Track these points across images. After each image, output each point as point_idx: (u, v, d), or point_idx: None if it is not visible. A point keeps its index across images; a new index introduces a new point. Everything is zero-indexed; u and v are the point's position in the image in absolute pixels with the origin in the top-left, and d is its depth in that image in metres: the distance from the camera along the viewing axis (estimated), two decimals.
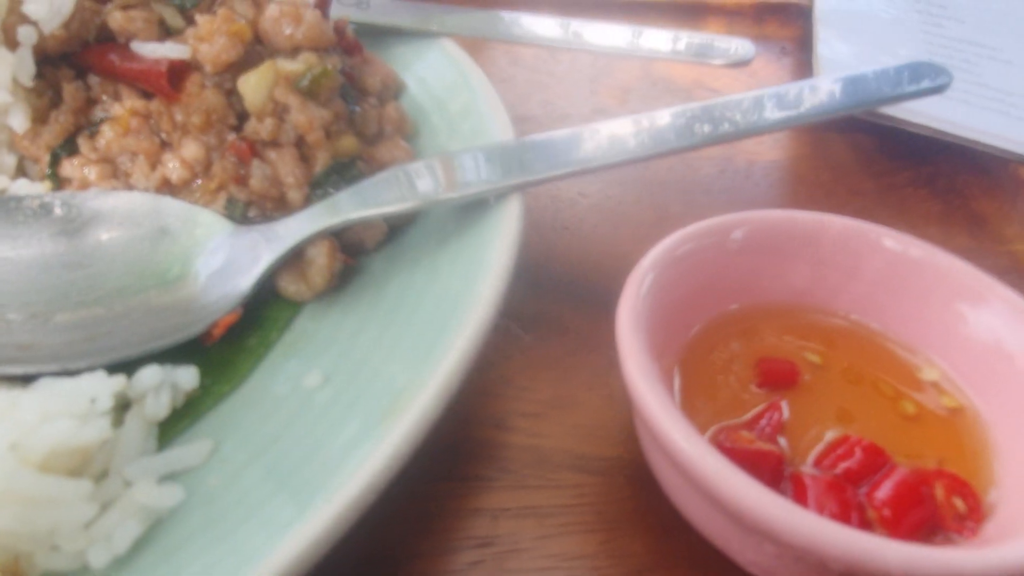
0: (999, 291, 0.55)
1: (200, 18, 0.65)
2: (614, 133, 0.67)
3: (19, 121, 0.62)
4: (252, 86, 0.64)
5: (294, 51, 0.68)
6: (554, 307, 0.63)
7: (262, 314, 0.59)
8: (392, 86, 0.78)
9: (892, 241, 0.59)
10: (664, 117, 0.67)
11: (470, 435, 0.58)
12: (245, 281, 0.57)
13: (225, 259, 0.60)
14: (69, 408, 0.45)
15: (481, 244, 0.59)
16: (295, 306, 0.61)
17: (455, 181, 0.62)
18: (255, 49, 0.67)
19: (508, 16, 0.88)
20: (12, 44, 0.63)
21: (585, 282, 0.73)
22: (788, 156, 0.90)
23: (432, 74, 0.81)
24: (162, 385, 0.51)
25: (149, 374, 0.50)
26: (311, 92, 0.65)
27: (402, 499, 0.52)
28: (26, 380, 0.49)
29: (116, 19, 0.65)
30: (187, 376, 0.52)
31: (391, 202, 0.61)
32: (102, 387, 0.47)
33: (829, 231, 0.60)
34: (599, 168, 0.65)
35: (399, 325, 0.56)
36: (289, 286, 0.60)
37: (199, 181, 0.65)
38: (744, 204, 0.85)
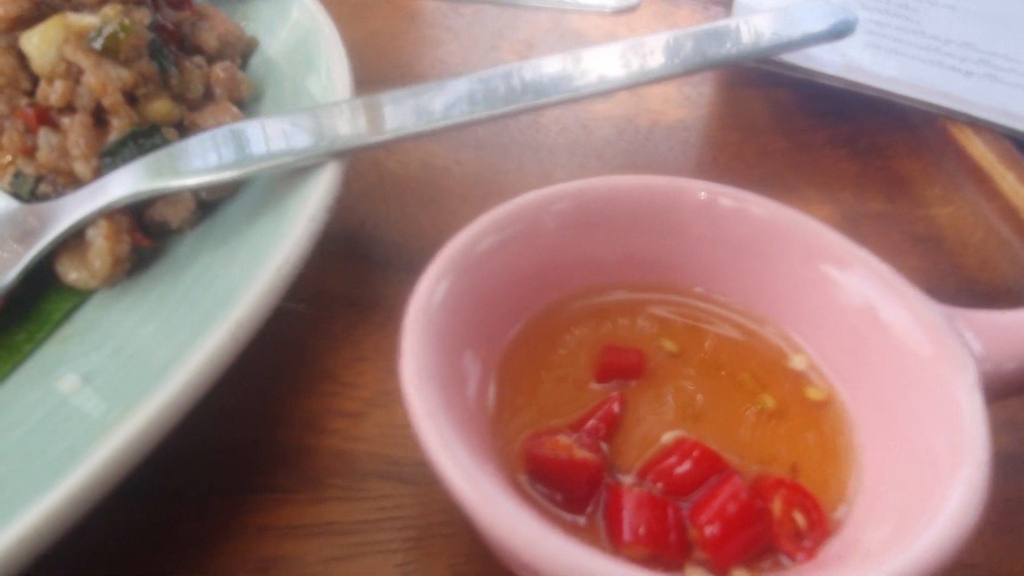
0: (873, 265, 0.48)
1: None
2: (470, 89, 0.59)
3: None
4: (36, 45, 0.56)
5: (100, 3, 0.60)
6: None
7: (39, 306, 0.52)
8: (236, 44, 0.70)
9: (760, 208, 0.51)
10: (529, 68, 0.60)
11: (276, 439, 0.51)
12: (7, 271, 0.50)
13: None
14: None
15: (288, 217, 0.51)
16: (79, 295, 0.53)
17: (269, 150, 0.54)
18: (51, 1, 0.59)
19: None
20: None
21: None
22: (696, 115, 0.82)
23: (288, 32, 0.73)
24: None
25: None
26: (109, 50, 0.57)
27: (180, 518, 0.46)
28: None
29: None
30: None
31: (190, 173, 0.53)
32: None
33: (688, 199, 0.52)
34: (442, 130, 0.57)
35: (183, 312, 0.49)
36: (70, 272, 0.53)
37: None
38: (640, 168, 0.77)
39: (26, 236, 0.51)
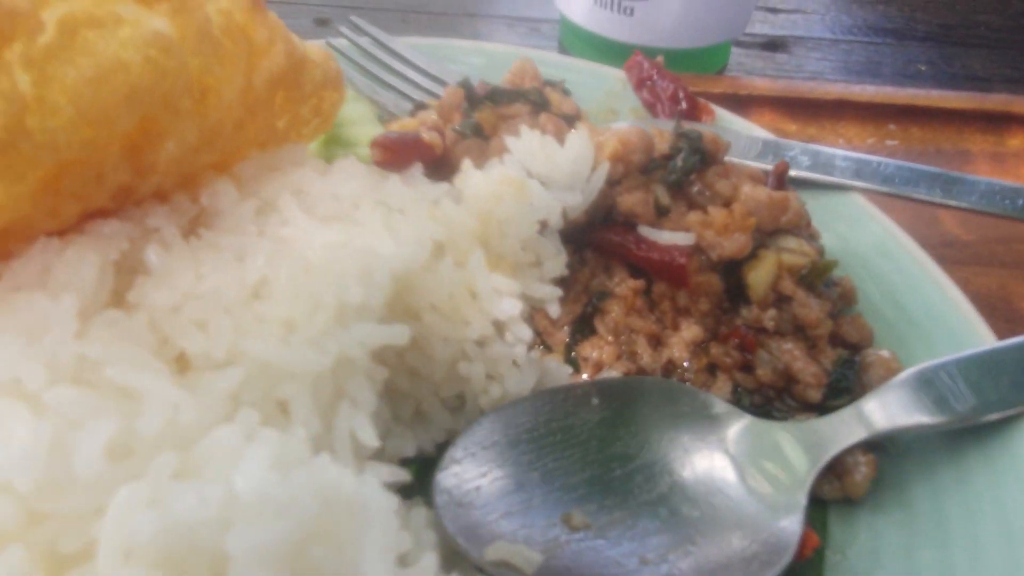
0: None
1: (713, 211, 0.67)
2: None
3: (554, 309, 0.64)
4: (760, 278, 0.66)
5: (774, 232, 0.70)
6: None
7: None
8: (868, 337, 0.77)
9: None
10: None
11: None
12: (798, 492, 0.58)
13: (752, 454, 0.61)
14: None
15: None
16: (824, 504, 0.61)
17: (984, 399, 0.62)
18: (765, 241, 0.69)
19: None
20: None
21: None
22: None
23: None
24: None
25: None
26: (808, 283, 0.67)
27: None
28: None
29: (625, 201, 0.68)
30: None
31: (919, 413, 0.61)
32: None
33: None
34: None
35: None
36: (823, 485, 0.61)
37: (688, 362, 0.67)
38: None
39: (794, 457, 0.59)
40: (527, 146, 0.65)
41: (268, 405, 0.45)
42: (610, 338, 0.67)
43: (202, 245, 0.51)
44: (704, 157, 0.72)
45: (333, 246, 0.53)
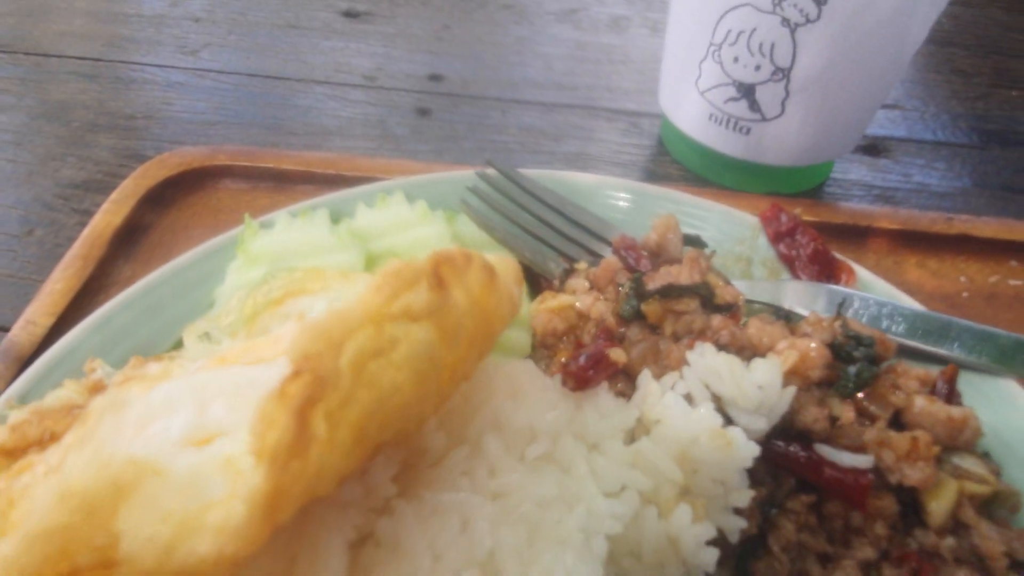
0: None
1: (895, 436, 0.66)
2: None
3: (735, 537, 0.64)
4: (941, 507, 0.66)
5: (948, 448, 0.69)
6: None
7: None
8: None
9: None
10: None
11: None
12: None
13: None
14: None
15: None
16: None
17: None
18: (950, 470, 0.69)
19: None
20: None
21: None
22: None
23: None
24: None
25: None
26: (987, 511, 0.67)
27: None
28: None
29: (802, 419, 0.67)
30: None
31: None
32: None
33: None
34: None
35: None
36: None
37: None
38: None
39: None
40: (711, 365, 0.64)
41: None
42: (783, 557, 0.66)
43: (426, 512, 0.52)
44: (875, 362, 0.71)
45: (548, 502, 0.53)
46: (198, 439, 0.41)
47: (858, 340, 0.72)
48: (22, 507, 0.39)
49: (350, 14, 1.76)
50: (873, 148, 1.46)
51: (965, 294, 1.10)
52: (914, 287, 1.09)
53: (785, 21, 1.05)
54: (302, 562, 0.46)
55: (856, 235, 1.14)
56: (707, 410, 0.61)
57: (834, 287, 0.87)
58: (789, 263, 0.94)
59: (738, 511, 0.63)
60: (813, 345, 0.68)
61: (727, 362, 0.64)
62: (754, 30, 1.08)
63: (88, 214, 1.10)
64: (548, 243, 0.93)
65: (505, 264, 0.62)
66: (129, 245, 1.04)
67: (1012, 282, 1.12)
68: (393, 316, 0.43)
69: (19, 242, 1.11)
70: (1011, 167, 1.45)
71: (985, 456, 0.70)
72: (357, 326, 0.41)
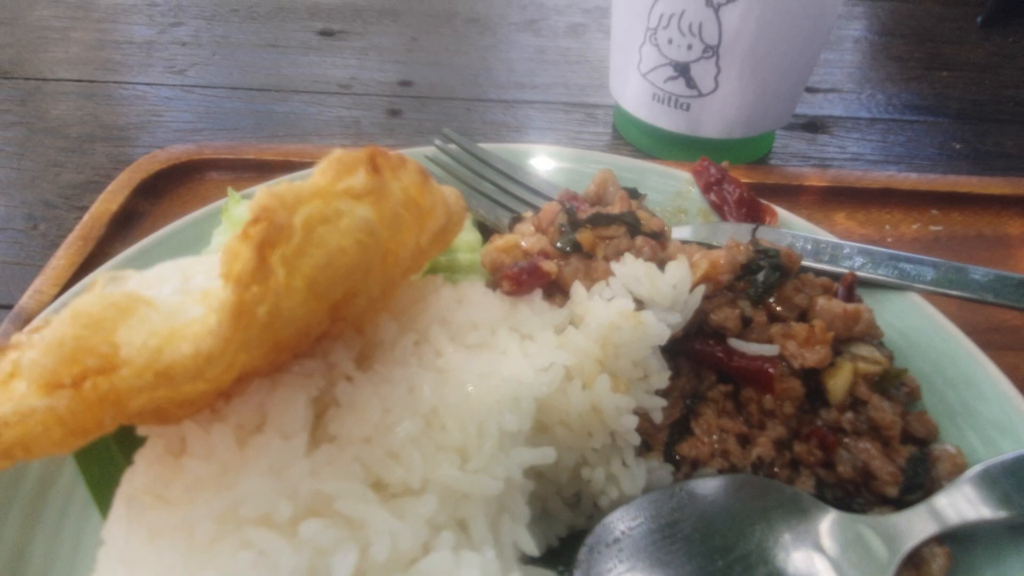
0: None
1: (796, 326, 0.76)
2: None
3: (658, 416, 0.74)
4: (838, 385, 0.75)
5: (847, 340, 0.79)
6: None
7: None
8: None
9: None
10: None
11: None
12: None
13: (838, 545, 0.69)
14: None
15: None
16: None
17: None
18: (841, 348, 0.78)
19: None
20: None
21: None
22: None
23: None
24: None
25: None
26: (881, 387, 0.76)
27: None
28: None
29: (716, 317, 0.77)
30: None
31: (987, 509, 0.69)
32: None
33: None
34: None
35: None
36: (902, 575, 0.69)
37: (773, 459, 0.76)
38: None
39: (873, 550, 0.67)
40: (632, 272, 0.74)
41: (451, 526, 0.54)
42: (705, 439, 0.76)
43: (379, 379, 0.61)
44: (782, 272, 0.81)
45: (484, 375, 0.63)
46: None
47: (765, 253, 0.82)
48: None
49: (325, 33, 1.90)
50: (812, 125, 1.58)
51: (890, 239, 1.20)
52: (843, 236, 1.20)
53: (709, 2, 1.17)
54: (273, 412, 0.56)
55: (790, 193, 1.25)
56: (624, 302, 0.70)
57: (756, 225, 0.98)
58: (719, 209, 1.05)
59: (659, 393, 0.73)
60: (718, 251, 0.78)
61: (644, 267, 0.74)
62: (683, 12, 1.21)
63: (87, 210, 1.21)
64: (499, 202, 1.04)
65: (449, 189, 0.72)
66: (125, 229, 1.15)
67: (933, 228, 1.23)
68: (337, 194, 0.53)
69: (25, 235, 1.22)
70: (940, 135, 1.56)
71: (879, 345, 0.80)
72: (308, 198, 0.51)
